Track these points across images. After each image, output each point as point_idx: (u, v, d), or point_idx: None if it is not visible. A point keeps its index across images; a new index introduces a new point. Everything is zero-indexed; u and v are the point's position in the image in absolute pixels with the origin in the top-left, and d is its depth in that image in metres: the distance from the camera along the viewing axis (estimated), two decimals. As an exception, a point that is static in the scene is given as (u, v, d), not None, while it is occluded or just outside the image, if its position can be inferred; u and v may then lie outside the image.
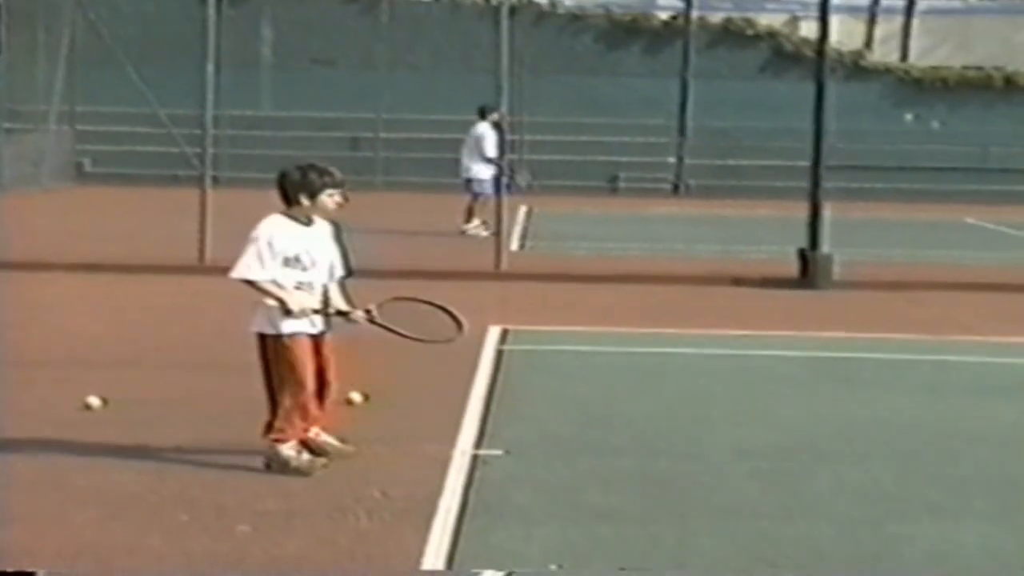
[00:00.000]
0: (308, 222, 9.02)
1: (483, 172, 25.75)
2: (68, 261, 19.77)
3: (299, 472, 8.73)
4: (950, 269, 21.79)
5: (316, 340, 9.01)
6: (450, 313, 9.36)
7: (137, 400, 10.89)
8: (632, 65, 41.83)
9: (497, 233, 20.91)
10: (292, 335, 8.88)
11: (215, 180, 21.36)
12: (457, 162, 26.79)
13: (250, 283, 8.89)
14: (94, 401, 10.57)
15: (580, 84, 39.67)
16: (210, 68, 21.13)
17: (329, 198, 9.01)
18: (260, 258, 8.87)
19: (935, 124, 41.43)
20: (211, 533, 7.60)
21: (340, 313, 9.10)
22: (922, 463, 9.70)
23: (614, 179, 40.29)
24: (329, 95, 39.13)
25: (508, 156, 25.56)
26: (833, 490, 8.86)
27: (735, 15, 44.15)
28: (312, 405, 8.97)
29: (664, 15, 44.04)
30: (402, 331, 9.23)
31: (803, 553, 7.54)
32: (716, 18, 43.65)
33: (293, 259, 8.91)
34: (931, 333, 15.96)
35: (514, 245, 23.99)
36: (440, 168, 38.36)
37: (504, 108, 21.35)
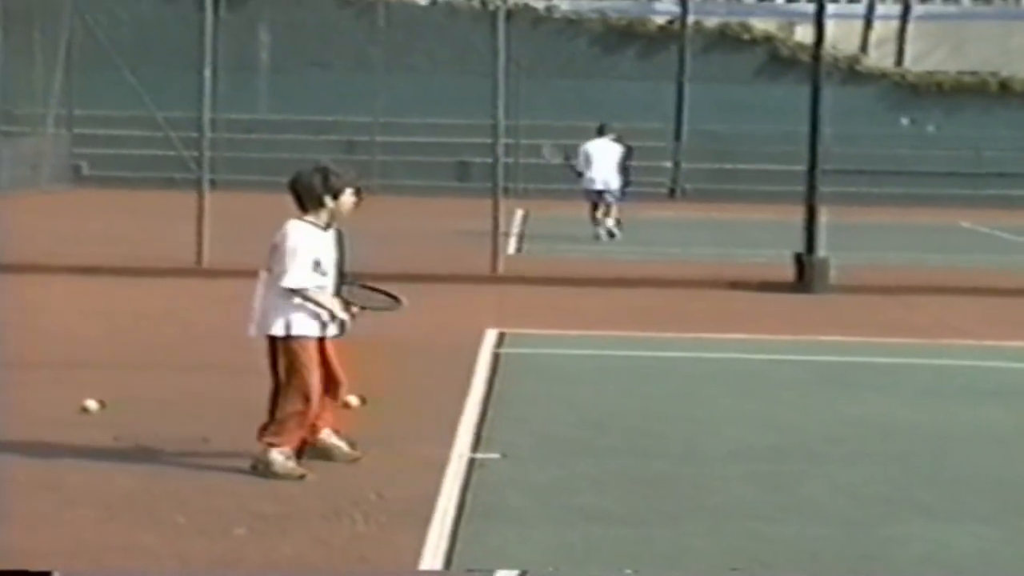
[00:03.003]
0: (326, 227, 8.99)
1: (615, 182, 27.45)
2: (66, 264, 19.77)
3: (278, 477, 8.72)
4: (946, 273, 21.80)
5: (323, 342, 9.02)
6: (386, 293, 9.41)
7: (134, 401, 10.90)
8: (628, 69, 41.87)
9: (495, 236, 20.87)
10: (300, 337, 8.86)
11: (212, 183, 21.38)
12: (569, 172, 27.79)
13: (295, 291, 8.83)
14: (92, 404, 10.56)
15: (576, 88, 39.69)
16: (207, 72, 21.14)
17: (348, 198, 8.99)
18: (306, 266, 8.84)
19: (931, 128, 41.47)
20: (207, 535, 7.60)
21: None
22: (916, 465, 9.72)
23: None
24: (325, 98, 39.15)
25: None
26: (827, 492, 8.87)
27: (731, 20, 44.19)
28: (312, 415, 8.94)
29: (660, 19, 44.07)
30: (375, 306, 9.30)
31: (797, 554, 7.55)
32: (712, 22, 43.69)
33: (318, 264, 8.87)
34: (927, 337, 15.98)
35: (511, 248, 24.01)
36: (436, 171, 38.47)
37: (501, 112, 21.34)
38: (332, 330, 9.01)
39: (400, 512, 8.10)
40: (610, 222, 27.33)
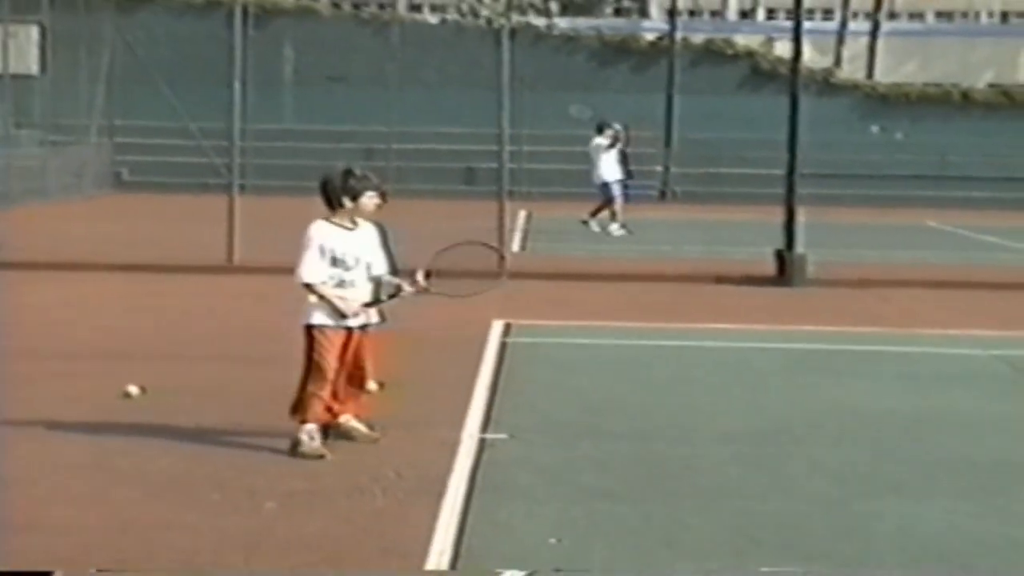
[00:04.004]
0: (352, 226, 9.02)
1: (604, 178, 27.95)
2: (108, 262, 19.76)
3: (305, 456, 8.72)
4: (914, 268, 21.79)
5: (352, 333, 9.00)
6: (487, 245, 9.56)
7: (172, 389, 10.89)
8: (621, 82, 41.83)
9: (501, 235, 20.85)
10: (319, 327, 8.91)
11: (242, 188, 21.32)
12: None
13: (308, 285, 8.92)
14: (133, 389, 10.56)
15: (574, 100, 39.58)
16: (237, 85, 21.14)
17: (369, 200, 9.03)
18: (314, 262, 8.89)
19: (899, 135, 41.40)
20: (241, 511, 7.60)
21: (393, 296, 9.09)
22: (890, 446, 9.70)
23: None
24: (345, 110, 39.15)
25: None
26: (808, 471, 8.86)
27: (716, 36, 44.19)
28: (328, 395, 8.97)
29: (650, 36, 44.11)
30: (450, 293, 9.24)
31: (781, 528, 7.54)
32: (698, 39, 43.69)
33: (339, 259, 8.91)
34: (897, 326, 15.96)
35: (516, 246, 23.98)
36: (446, 175, 38.44)
37: (505, 122, 21.32)
38: (357, 322, 8.99)
39: (416, 489, 8.09)
40: (616, 223, 27.86)
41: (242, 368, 12.00)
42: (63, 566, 6.62)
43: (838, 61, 47.47)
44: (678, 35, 42.28)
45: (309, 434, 8.84)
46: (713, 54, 42.84)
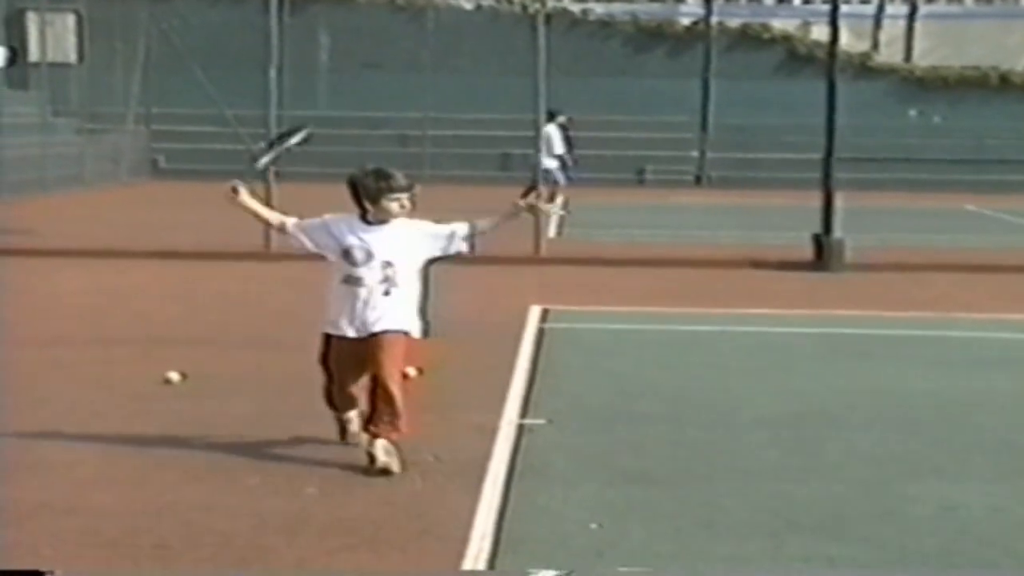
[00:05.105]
0: (378, 222, 8.45)
1: (550, 164, 27.71)
2: (145, 249, 19.89)
3: (349, 441, 8.70)
4: (952, 252, 21.71)
5: (362, 342, 8.41)
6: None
7: (210, 375, 10.96)
8: (657, 67, 41.76)
9: (537, 221, 20.82)
10: (324, 333, 8.64)
11: (277, 175, 21.38)
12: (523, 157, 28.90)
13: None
14: (174, 376, 10.64)
15: (610, 85, 39.63)
16: (272, 72, 21.24)
17: (392, 203, 8.41)
18: (305, 225, 8.69)
19: (937, 119, 41.22)
20: (281, 495, 7.65)
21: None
22: (927, 429, 9.69)
23: (642, 172, 40.22)
24: (380, 96, 39.22)
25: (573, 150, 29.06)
26: (846, 454, 8.86)
27: (752, 20, 44.04)
28: (353, 391, 8.67)
29: (686, 21, 43.96)
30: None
31: (819, 512, 7.55)
32: (734, 23, 43.55)
33: (348, 252, 8.41)
34: (935, 311, 15.91)
35: (552, 232, 23.99)
36: (481, 162, 38.47)
37: (541, 108, 21.35)
38: (361, 330, 8.40)
39: (456, 473, 8.13)
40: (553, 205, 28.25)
41: (279, 354, 12.06)
42: (103, 548, 6.70)
43: (875, 45, 47.16)
44: (714, 20, 42.20)
45: (351, 419, 8.80)
46: (749, 38, 42.71)
